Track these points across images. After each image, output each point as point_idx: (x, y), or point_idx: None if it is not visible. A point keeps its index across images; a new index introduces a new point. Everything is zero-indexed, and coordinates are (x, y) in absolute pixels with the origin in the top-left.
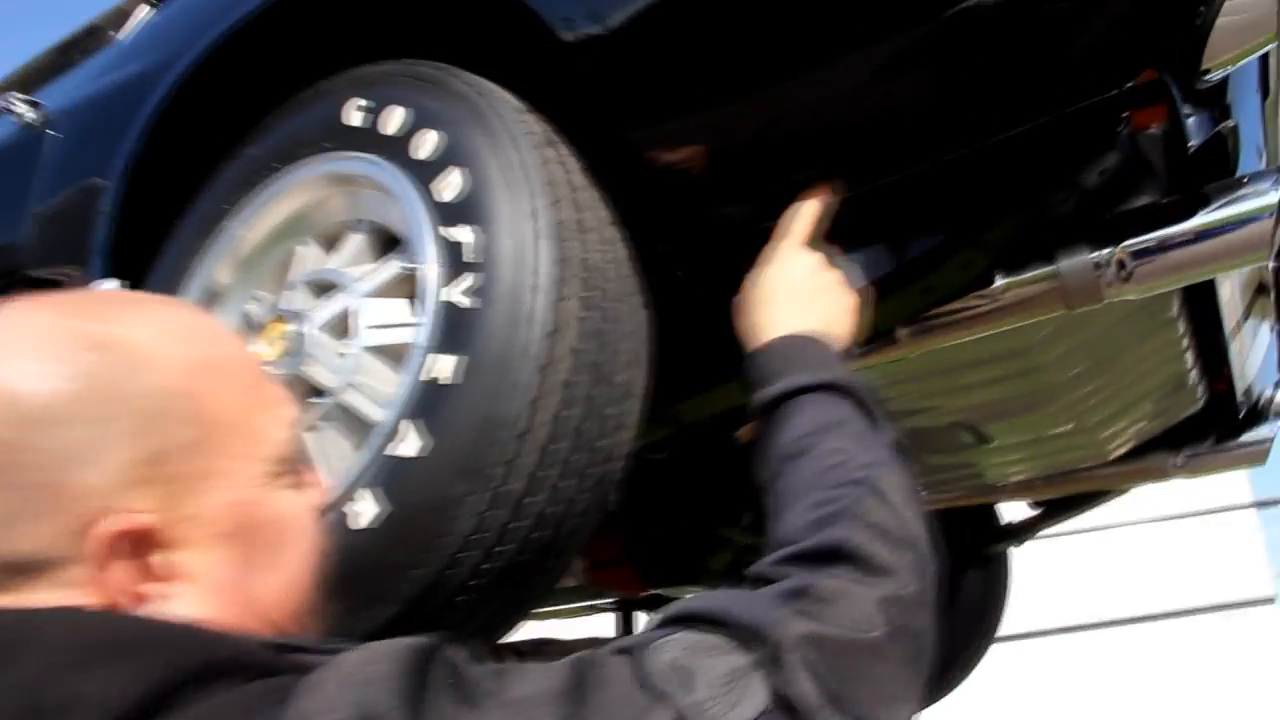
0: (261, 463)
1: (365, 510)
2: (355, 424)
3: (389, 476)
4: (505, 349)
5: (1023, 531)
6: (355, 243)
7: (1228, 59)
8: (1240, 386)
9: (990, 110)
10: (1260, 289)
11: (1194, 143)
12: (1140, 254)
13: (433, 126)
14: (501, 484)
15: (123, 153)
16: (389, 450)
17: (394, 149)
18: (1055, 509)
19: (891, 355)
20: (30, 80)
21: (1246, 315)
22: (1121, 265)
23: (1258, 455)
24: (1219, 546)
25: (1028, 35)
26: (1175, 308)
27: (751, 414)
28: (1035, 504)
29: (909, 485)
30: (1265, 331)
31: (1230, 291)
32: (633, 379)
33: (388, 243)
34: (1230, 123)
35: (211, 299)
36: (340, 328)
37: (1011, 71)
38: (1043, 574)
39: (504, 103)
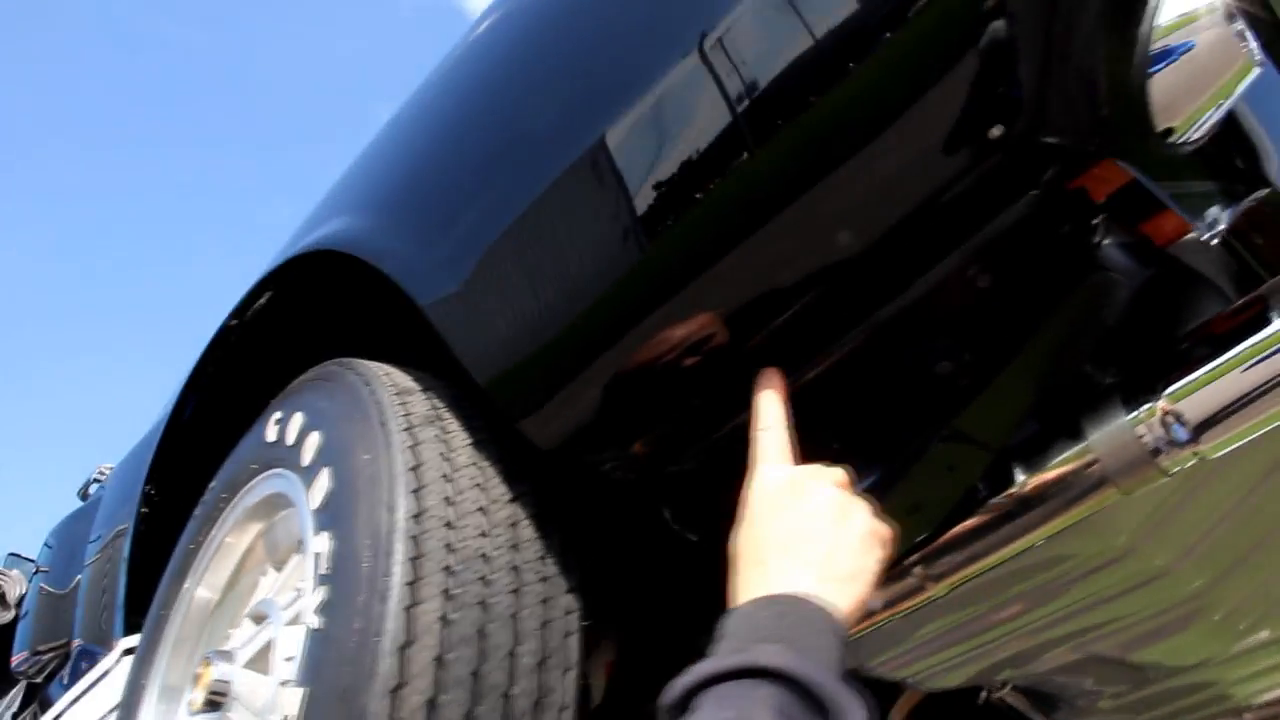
0: None
1: None
2: None
3: None
4: (349, 673)
5: None
6: (294, 565)
7: (1194, 112)
8: None
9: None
10: None
11: (1215, 223)
12: (1190, 400)
13: (317, 428)
14: None
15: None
16: None
17: (292, 458)
18: None
19: (920, 599)
20: None
21: None
22: (1171, 421)
23: None
24: None
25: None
26: None
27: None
28: None
29: None
30: None
31: None
32: (544, 685)
33: None
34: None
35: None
36: (264, 663)
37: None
38: None
39: (386, 388)
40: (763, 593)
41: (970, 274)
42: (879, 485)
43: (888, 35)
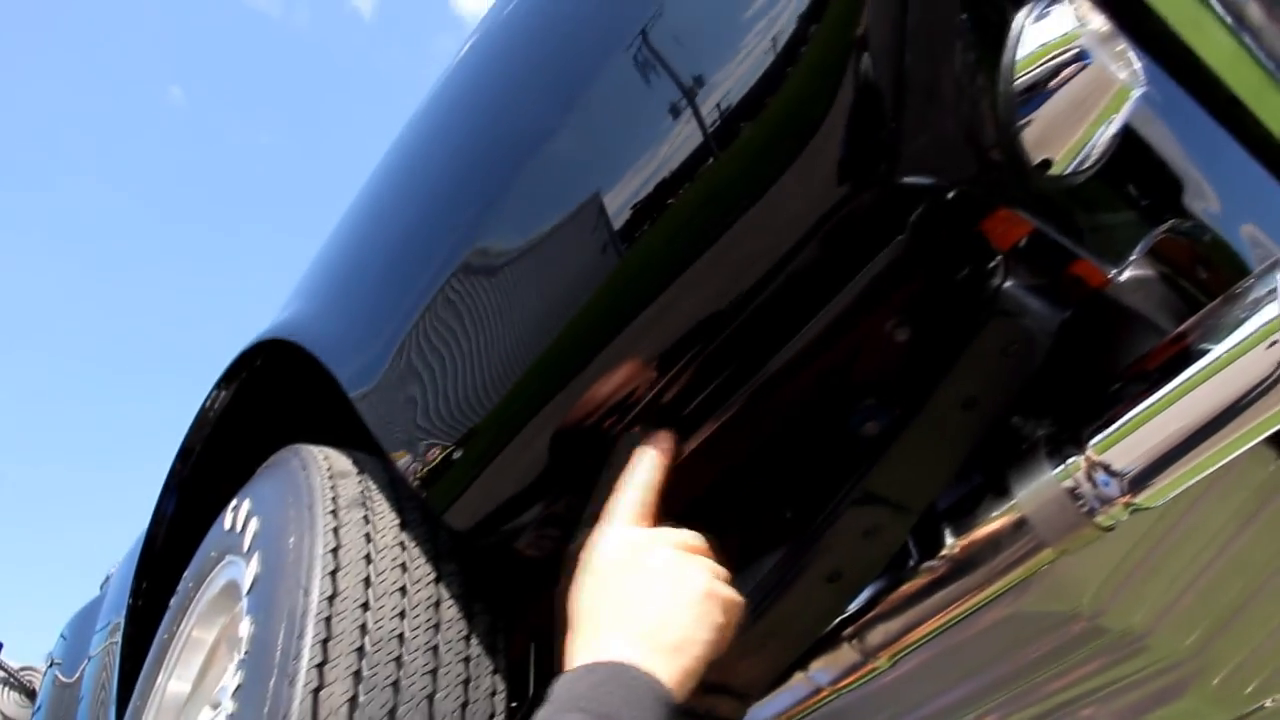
0: None
1: None
2: None
3: None
4: None
5: None
6: None
7: (1074, 143)
8: None
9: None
10: None
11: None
12: (1117, 449)
13: (257, 514)
14: None
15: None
16: None
17: (239, 545)
18: None
19: (864, 672)
20: None
21: None
22: (1098, 473)
23: None
24: None
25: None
26: None
27: None
28: None
29: None
30: None
31: None
32: None
33: None
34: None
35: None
36: None
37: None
38: None
39: (320, 471)
40: (589, 658)
41: (888, 328)
42: (792, 553)
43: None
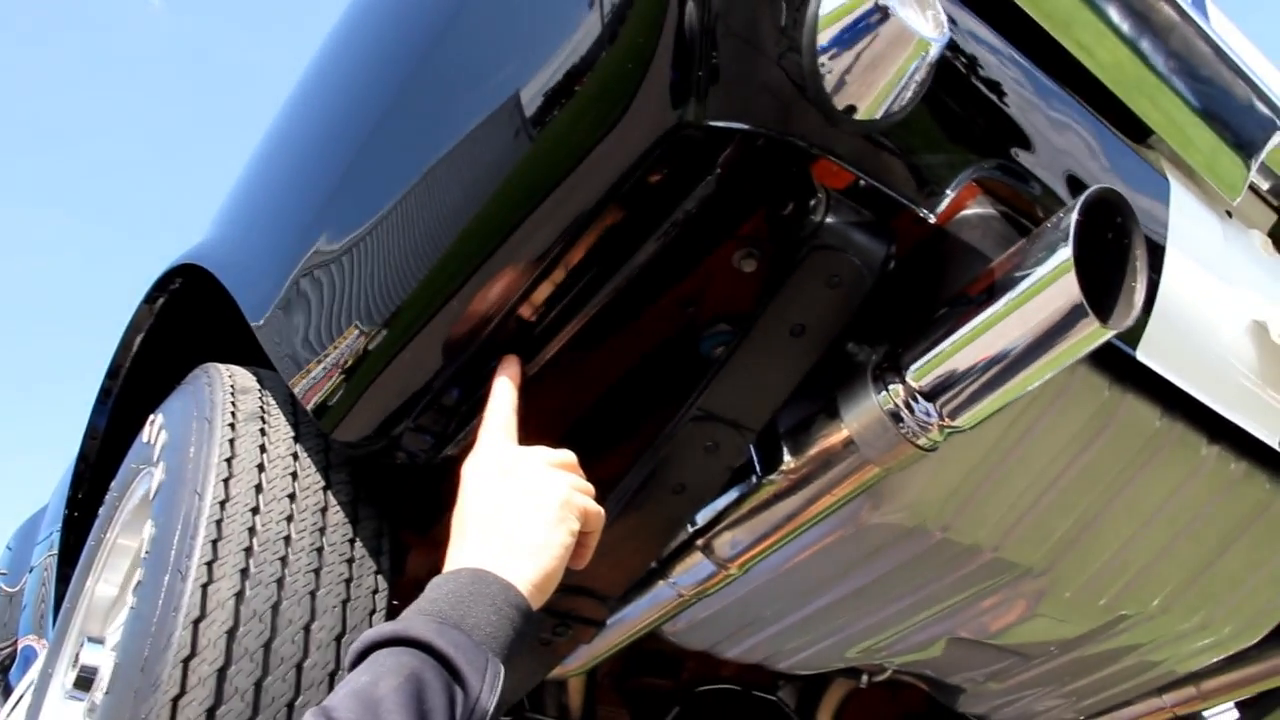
0: None
1: None
2: None
3: None
4: (149, 645)
5: None
6: None
7: (880, 90)
8: None
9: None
10: None
11: (934, 198)
12: (933, 374)
13: (166, 427)
14: None
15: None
16: None
17: (151, 456)
18: (1258, 710)
19: (718, 579)
20: None
21: None
22: (916, 398)
23: None
24: None
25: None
26: (1156, 421)
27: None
28: (1239, 708)
29: None
30: None
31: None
32: (342, 657)
33: None
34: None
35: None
36: None
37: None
38: None
39: (222, 386)
40: (456, 565)
41: (736, 259)
42: (639, 466)
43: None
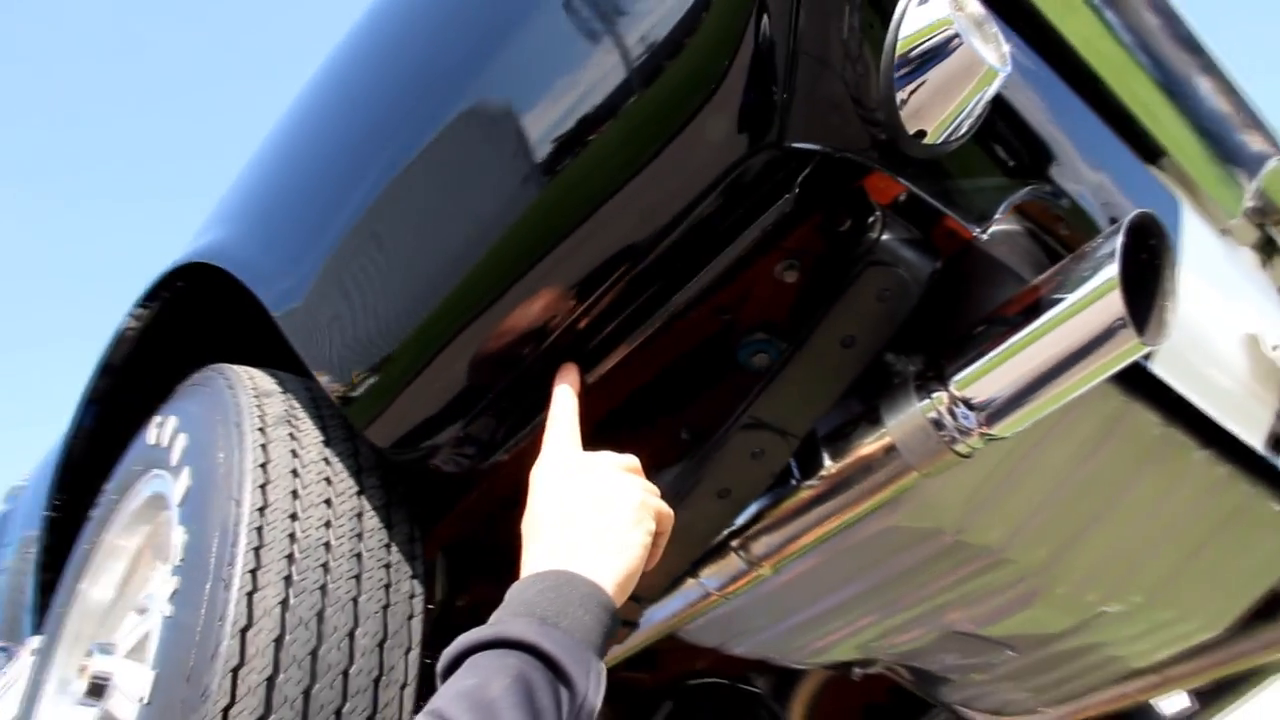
0: None
1: None
2: None
3: None
4: (194, 655)
5: None
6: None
7: (946, 116)
8: None
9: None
10: None
11: (986, 218)
12: (976, 385)
13: (185, 430)
14: None
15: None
16: None
17: (166, 460)
18: (1212, 698)
19: (749, 579)
20: None
21: None
22: (959, 406)
23: None
24: None
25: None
26: (1157, 428)
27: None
28: (1192, 696)
29: None
30: None
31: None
32: (385, 663)
33: None
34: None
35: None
36: (143, 653)
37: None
38: None
39: (246, 391)
40: (537, 568)
41: (778, 271)
42: (685, 472)
43: (657, 50)
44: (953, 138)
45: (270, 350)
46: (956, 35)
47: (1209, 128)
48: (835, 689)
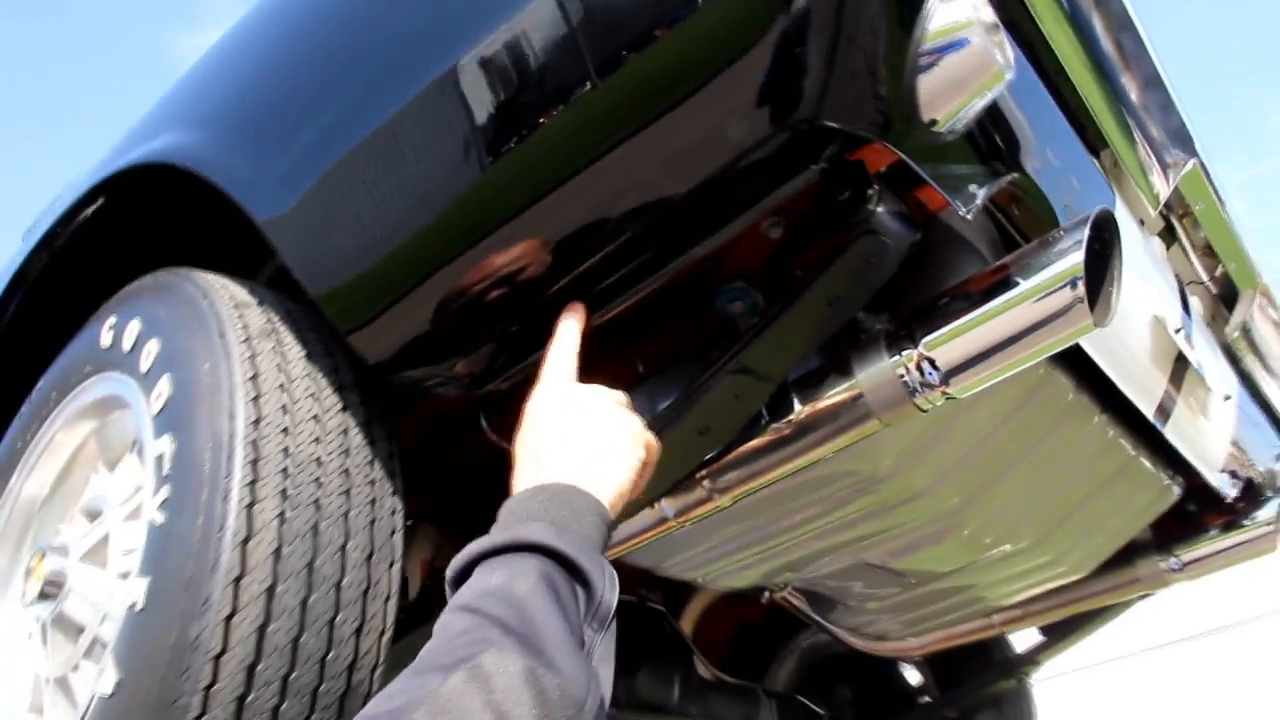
0: None
1: None
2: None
3: None
4: (192, 565)
5: (1027, 662)
6: (129, 464)
7: (955, 108)
8: (1214, 467)
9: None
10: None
11: (972, 199)
12: (943, 349)
13: (155, 335)
14: (200, 715)
15: None
16: (96, 692)
17: (130, 364)
18: (1060, 633)
19: (708, 508)
20: None
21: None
22: (925, 365)
23: (1266, 544)
24: None
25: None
26: (1070, 394)
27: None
28: (1042, 631)
29: (523, 670)
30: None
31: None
32: (371, 577)
33: None
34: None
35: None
36: (100, 556)
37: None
38: None
39: (223, 300)
40: (534, 483)
41: (764, 226)
42: (673, 410)
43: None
44: (955, 129)
45: (211, 258)
46: (975, 36)
47: (1141, 125)
48: (719, 608)
